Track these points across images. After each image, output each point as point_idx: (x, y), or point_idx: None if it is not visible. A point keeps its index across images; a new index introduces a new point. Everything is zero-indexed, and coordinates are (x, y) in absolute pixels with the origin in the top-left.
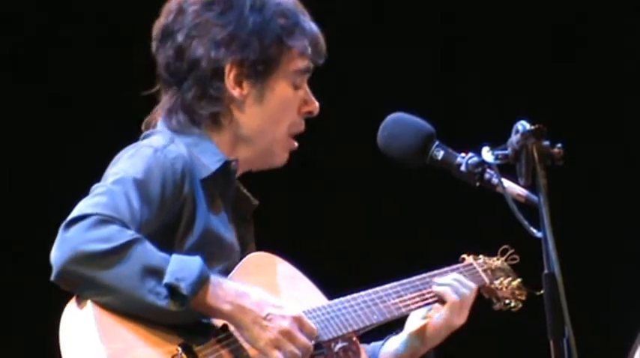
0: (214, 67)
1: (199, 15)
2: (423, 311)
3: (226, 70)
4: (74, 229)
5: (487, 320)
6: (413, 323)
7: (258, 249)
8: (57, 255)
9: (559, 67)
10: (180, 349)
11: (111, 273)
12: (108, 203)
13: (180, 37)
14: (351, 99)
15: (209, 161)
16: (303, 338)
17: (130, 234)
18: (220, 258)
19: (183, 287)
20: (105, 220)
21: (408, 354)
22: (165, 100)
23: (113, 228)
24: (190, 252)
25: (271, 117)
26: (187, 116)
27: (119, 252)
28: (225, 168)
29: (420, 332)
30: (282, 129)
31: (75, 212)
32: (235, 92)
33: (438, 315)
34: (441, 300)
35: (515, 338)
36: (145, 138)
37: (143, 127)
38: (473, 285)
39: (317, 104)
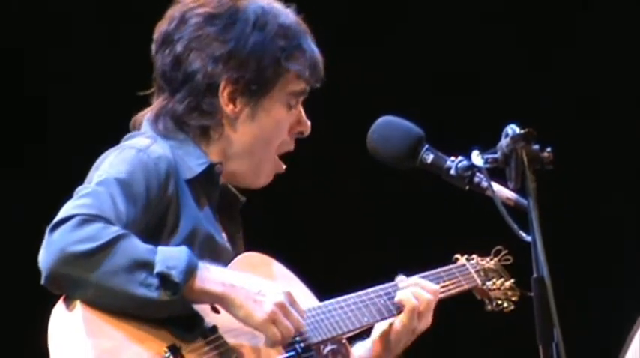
0: (210, 81)
1: (201, 28)
2: None
3: (221, 86)
4: (59, 232)
5: (476, 325)
6: (378, 329)
7: (247, 249)
8: (44, 258)
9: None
10: (167, 350)
11: (99, 272)
12: (92, 203)
13: (179, 47)
14: (340, 102)
15: (193, 163)
16: (295, 314)
17: (114, 231)
18: (210, 256)
19: (175, 274)
20: (88, 219)
21: None
22: (156, 104)
23: (97, 226)
24: None
25: (262, 136)
26: (176, 124)
27: (105, 250)
28: (209, 171)
29: (383, 338)
30: (271, 148)
31: (59, 215)
32: (228, 109)
33: (398, 321)
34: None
35: (504, 343)
36: (127, 139)
37: (130, 126)
38: (434, 288)
39: (309, 124)
